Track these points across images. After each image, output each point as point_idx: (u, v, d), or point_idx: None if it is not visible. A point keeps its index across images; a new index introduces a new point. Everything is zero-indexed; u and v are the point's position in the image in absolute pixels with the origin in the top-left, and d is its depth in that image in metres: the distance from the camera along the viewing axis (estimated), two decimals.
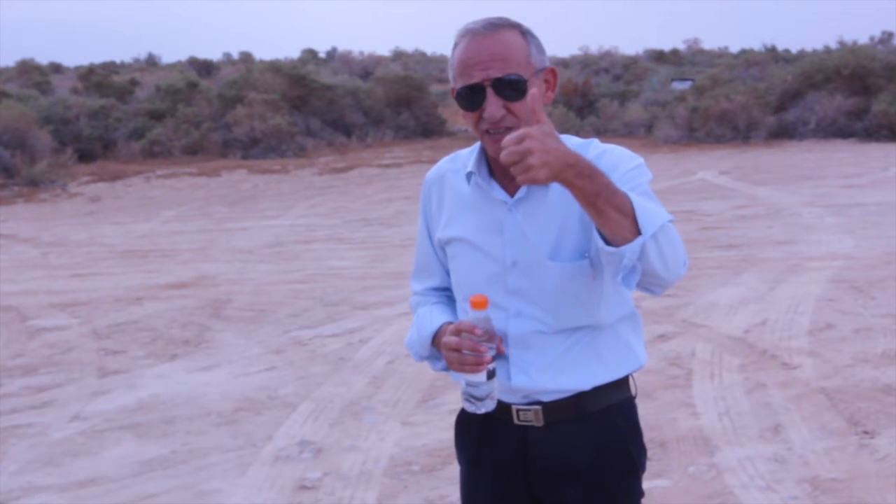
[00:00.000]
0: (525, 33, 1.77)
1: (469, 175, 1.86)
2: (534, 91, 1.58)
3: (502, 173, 1.83)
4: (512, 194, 1.82)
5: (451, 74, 1.80)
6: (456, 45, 1.77)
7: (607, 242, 1.60)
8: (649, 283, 1.63)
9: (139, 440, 4.53)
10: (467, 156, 1.91)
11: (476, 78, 1.71)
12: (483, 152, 1.86)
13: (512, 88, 1.71)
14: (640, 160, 1.79)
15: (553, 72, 1.80)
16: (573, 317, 1.81)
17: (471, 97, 1.73)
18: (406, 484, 3.93)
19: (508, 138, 1.50)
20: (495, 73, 1.70)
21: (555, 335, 1.82)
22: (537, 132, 1.49)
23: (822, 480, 3.79)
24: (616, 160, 1.76)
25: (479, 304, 1.71)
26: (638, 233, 1.56)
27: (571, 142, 1.85)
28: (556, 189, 1.77)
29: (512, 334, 1.82)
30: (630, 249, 1.56)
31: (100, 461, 4.29)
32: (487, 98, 1.71)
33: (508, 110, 1.72)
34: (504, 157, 1.50)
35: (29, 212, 13.70)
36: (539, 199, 1.80)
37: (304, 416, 4.78)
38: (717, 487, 3.77)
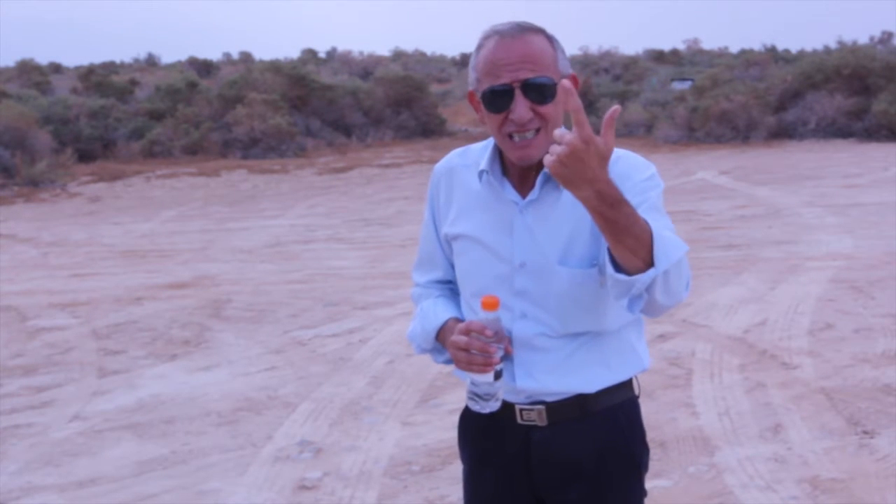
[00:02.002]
0: (551, 39, 1.77)
1: (481, 173, 1.85)
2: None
3: (515, 173, 1.83)
4: (524, 195, 1.81)
5: (472, 76, 1.78)
6: (481, 46, 1.76)
7: (617, 268, 1.58)
8: (648, 309, 1.64)
9: (139, 440, 4.53)
10: (479, 152, 1.90)
11: (505, 79, 1.70)
12: (497, 151, 1.85)
13: (541, 91, 1.70)
14: (653, 169, 1.78)
15: (575, 78, 1.78)
16: (579, 322, 1.80)
17: (498, 99, 1.71)
18: (406, 484, 3.93)
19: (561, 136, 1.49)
20: (525, 75, 1.69)
21: (559, 339, 1.81)
22: (589, 153, 1.46)
23: (822, 480, 3.79)
24: (629, 169, 1.75)
25: (490, 305, 1.71)
26: (651, 263, 1.54)
27: None
28: (569, 194, 1.76)
29: (516, 335, 1.82)
30: (641, 281, 1.55)
31: (100, 461, 4.29)
32: (515, 100, 1.70)
33: (535, 112, 1.71)
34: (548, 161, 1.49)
35: (29, 212, 13.69)
36: (551, 203, 1.79)
37: (304, 416, 4.78)
38: (717, 487, 3.77)
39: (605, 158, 1.47)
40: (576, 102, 1.47)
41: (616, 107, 1.50)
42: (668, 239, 1.57)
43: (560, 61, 1.76)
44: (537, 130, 1.73)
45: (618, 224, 1.51)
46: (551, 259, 1.78)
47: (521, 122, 1.70)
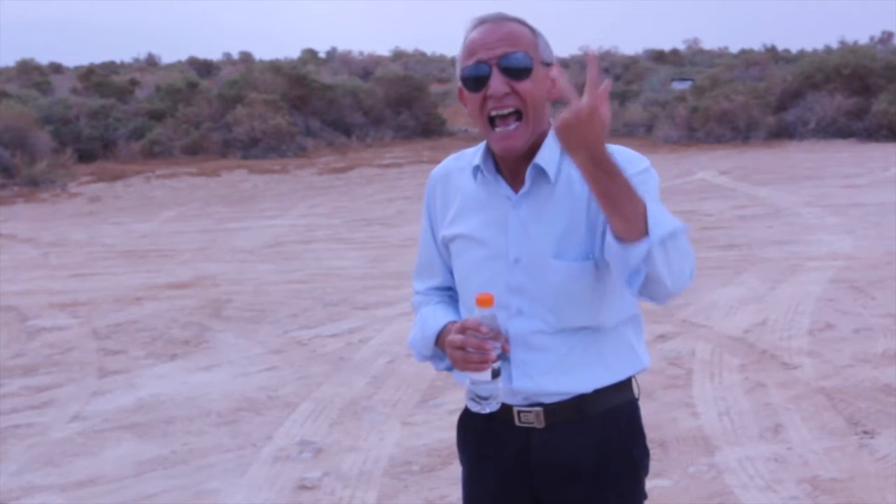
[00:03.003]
0: (533, 30, 1.80)
1: (475, 169, 1.86)
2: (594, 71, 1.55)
3: (507, 169, 1.84)
4: (517, 191, 1.82)
5: (458, 66, 1.81)
6: (466, 36, 1.79)
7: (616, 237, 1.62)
8: (653, 290, 1.65)
9: (139, 440, 4.53)
10: (473, 154, 1.91)
11: (482, 56, 1.73)
12: (489, 148, 1.86)
13: (515, 67, 1.72)
14: (647, 162, 1.79)
15: (558, 68, 1.81)
16: (575, 317, 1.80)
17: (475, 77, 1.74)
18: (406, 484, 3.93)
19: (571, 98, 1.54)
20: (500, 51, 1.73)
21: (556, 335, 1.80)
22: (594, 120, 1.52)
23: (821, 480, 3.79)
24: (622, 162, 1.73)
25: (485, 302, 1.70)
26: (647, 234, 1.58)
27: None
28: (562, 187, 1.78)
29: (513, 333, 1.81)
30: (638, 250, 1.58)
31: (100, 461, 4.29)
32: (492, 75, 1.73)
33: (513, 90, 1.73)
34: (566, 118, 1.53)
35: (29, 212, 13.70)
36: (544, 197, 1.79)
37: (304, 416, 4.78)
38: (717, 487, 3.77)
39: (604, 126, 1.54)
40: (594, 70, 1.52)
41: (608, 81, 1.55)
42: (662, 213, 1.62)
43: (541, 47, 1.78)
44: (518, 118, 1.74)
45: (611, 192, 1.57)
46: (546, 253, 1.78)
47: (497, 95, 1.72)
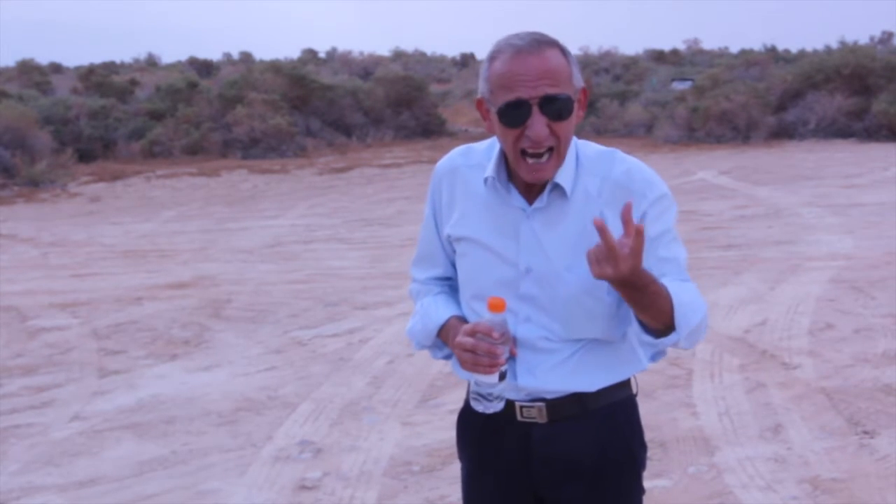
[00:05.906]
0: (565, 52, 1.74)
1: (486, 179, 1.84)
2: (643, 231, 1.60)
3: (521, 181, 1.82)
4: (530, 202, 1.81)
5: (484, 87, 1.75)
6: (494, 57, 1.73)
7: (644, 327, 1.73)
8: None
9: (139, 440, 4.53)
10: (483, 153, 1.89)
11: (522, 94, 1.68)
12: (502, 157, 1.83)
13: (558, 108, 1.69)
14: (666, 188, 1.81)
15: (585, 91, 1.78)
16: (583, 329, 1.82)
17: (515, 114, 1.69)
18: (406, 484, 3.93)
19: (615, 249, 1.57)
20: (542, 91, 1.67)
21: (562, 342, 1.83)
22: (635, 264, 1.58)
23: (822, 480, 3.79)
24: (644, 186, 1.77)
25: (497, 307, 1.71)
26: (672, 325, 1.69)
27: (590, 149, 1.84)
28: (577, 202, 1.79)
29: (520, 338, 1.82)
30: (664, 344, 1.73)
31: (100, 461, 4.29)
32: (532, 116, 1.68)
33: (550, 129, 1.69)
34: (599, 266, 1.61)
35: (29, 212, 13.69)
36: (558, 210, 1.79)
37: (304, 416, 4.78)
38: (717, 487, 3.78)
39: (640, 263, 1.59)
40: (641, 241, 1.56)
41: (629, 202, 1.59)
42: (687, 305, 1.69)
43: (574, 75, 1.73)
44: (550, 151, 1.72)
45: (642, 302, 1.66)
46: (558, 265, 1.78)
47: (538, 139, 1.69)
